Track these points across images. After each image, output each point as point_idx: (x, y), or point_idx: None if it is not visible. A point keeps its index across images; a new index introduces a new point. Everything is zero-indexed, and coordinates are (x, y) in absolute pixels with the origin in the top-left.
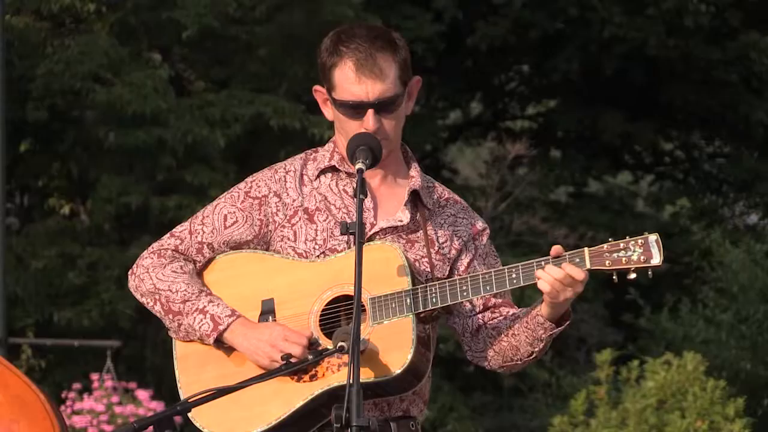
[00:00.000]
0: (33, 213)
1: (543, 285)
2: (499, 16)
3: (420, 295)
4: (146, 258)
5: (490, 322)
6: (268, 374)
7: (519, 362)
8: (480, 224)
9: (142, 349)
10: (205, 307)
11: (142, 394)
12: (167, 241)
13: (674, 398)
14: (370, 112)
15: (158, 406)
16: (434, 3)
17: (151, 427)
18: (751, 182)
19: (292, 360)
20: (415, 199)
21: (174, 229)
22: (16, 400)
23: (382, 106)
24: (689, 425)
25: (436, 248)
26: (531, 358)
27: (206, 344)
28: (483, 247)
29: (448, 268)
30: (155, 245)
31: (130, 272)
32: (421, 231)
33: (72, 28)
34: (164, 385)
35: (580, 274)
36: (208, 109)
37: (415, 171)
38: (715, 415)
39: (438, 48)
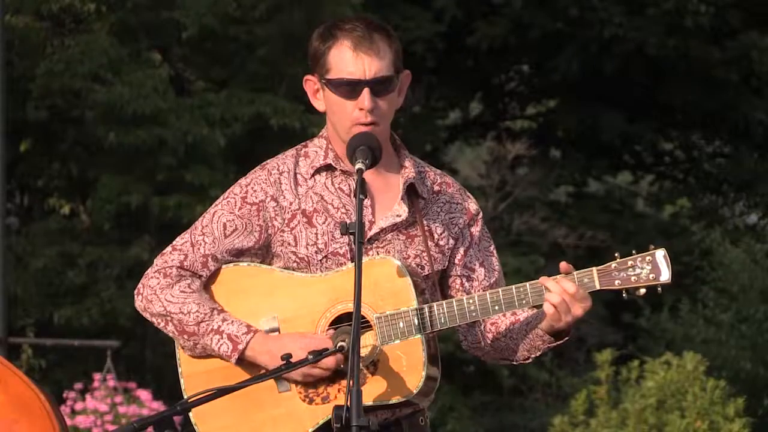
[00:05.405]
0: (33, 213)
1: (552, 297)
2: (499, 16)
3: (428, 314)
4: (152, 278)
5: None
6: (268, 374)
7: (515, 362)
8: (473, 207)
9: (142, 349)
10: (220, 326)
11: (145, 395)
12: (170, 256)
13: (674, 398)
14: (366, 90)
15: (160, 406)
16: (434, 3)
17: (151, 427)
18: (751, 182)
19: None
20: (410, 191)
21: (175, 242)
22: (16, 400)
23: (378, 86)
24: (689, 425)
25: (435, 241)
26: (527, 361)
27: (225, 361)
28: (478, 233)
29: (447, 261)
30: (159, 263)
31: (136, 292)
32: (418, 224)
33: (72, 28)
34: (164, 385)
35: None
36: (208, 109)
37: (408, 161)
38: (715, 414)
39: (438, 48)
